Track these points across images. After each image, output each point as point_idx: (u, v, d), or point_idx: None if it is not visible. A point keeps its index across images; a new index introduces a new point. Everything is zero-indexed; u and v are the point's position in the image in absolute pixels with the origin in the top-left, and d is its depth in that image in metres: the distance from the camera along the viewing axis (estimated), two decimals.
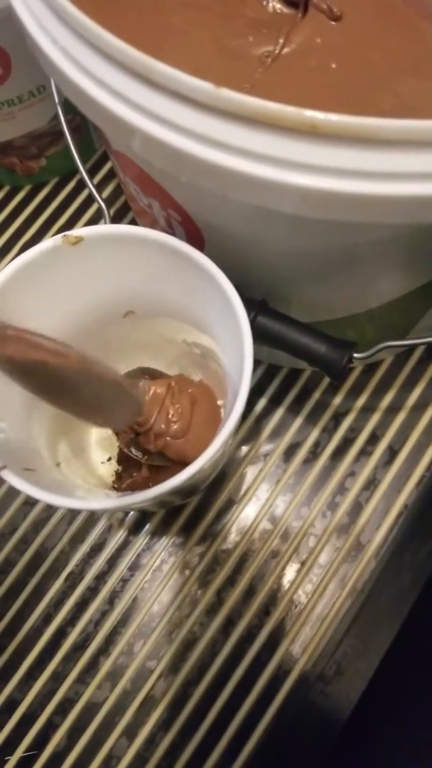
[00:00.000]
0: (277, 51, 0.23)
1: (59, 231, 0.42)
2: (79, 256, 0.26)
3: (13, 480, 0.23)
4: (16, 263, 0.25)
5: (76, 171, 0.43)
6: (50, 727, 0.34)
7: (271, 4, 0.24)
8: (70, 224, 0.43)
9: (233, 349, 0.26)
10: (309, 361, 0.28)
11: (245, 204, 0.20)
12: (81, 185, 0.43)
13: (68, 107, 0.38)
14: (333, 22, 0.23)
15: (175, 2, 0.23)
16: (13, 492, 0.37)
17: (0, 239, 0.42)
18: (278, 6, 0.23)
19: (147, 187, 0.27)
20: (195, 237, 0.27)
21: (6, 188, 0.44)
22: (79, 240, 0.26)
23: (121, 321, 0.31)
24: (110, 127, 0.21)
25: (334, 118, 0.17)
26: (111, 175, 0.44)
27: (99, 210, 0.42)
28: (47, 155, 0.41)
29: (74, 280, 0.27)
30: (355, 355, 0.28)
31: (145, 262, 0.27)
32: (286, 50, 0.23)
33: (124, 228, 0.26)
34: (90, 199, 0.43)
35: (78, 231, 0.26)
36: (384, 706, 0.33)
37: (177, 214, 0.27)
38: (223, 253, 0.26)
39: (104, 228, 0.26)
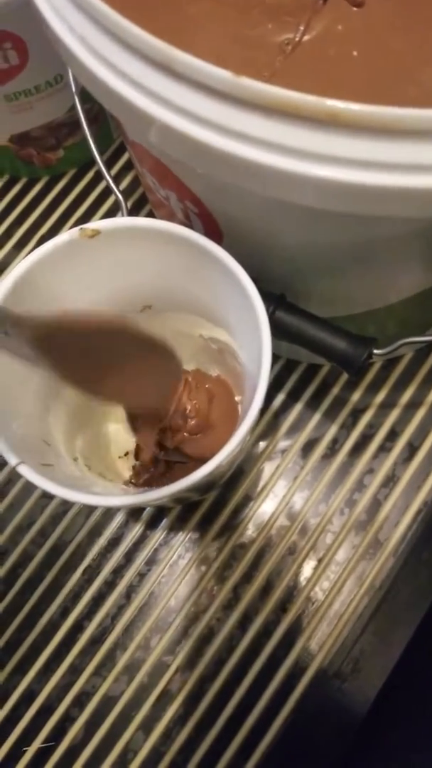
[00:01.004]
0: (297, 38, 0.22)
1: (77, 223, 0.42)
2: (96, 250, 0.26)
3: (30, 475, 0.23)
4: (33, 256, 0.25)
5: (93, 163, 0.43)
6: (67, 720, 0.34)
7: None
8: (87, 216, 0.42)
9: (251, 344, 0.26)
10: (327, 357, 0.27)
11: (263, 196, 0.20)
12: (99, 177, 0.43)
13: (85, 96, 0.38)
14: (355, 9, 0.22)
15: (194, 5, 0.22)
16: (31, 485, 0.37)
17: (18, 232, 0.42)
18: None
19: (164, 179, 0.26)
20: (213, 230, 0.27)
21: (23, 180, 0.43)
22: (95, 233, 0.25)
23: (137, 315, 0.31)
24: (127, 117, 0.21)
25: (355, 107, 0.17)
26: (129, 165, 0.43)
27: (117, 201, 0.42)
28: (65, 146, 0.41)
29: (91, 273, 0.27)
30: (375, 351, 0.27)
31: (163, 256, 0.27)
32: (306, 38, 0.22)
33: (141, 221, 0.26)
34: (108, 191, 0.43)
35: (95, 224, 0.25)
36: (401, 705, 0.33)
37: (194, 206, 0.26)
38: (241, 247, 0.26)
39: (121, 221, 0.26)
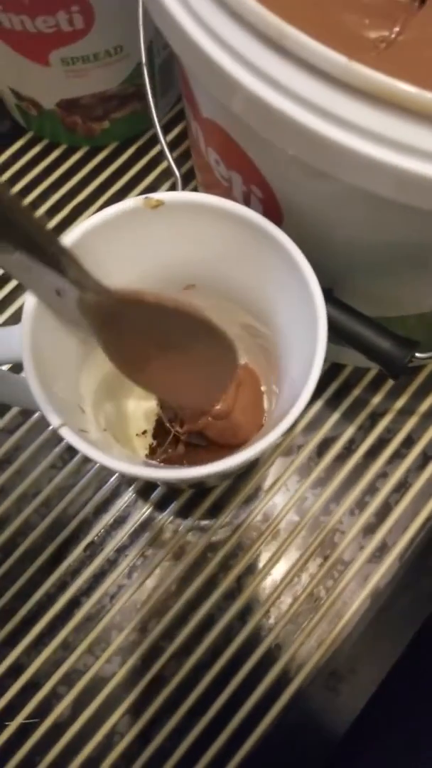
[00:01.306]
0: (392, 37, 0.22)
1: (114, 196, 0.42)
2: (155, 221, 0.26)
3: (73, 439, 0.22)
4: (95, 219, 0.25)
5: (135, 139, 0.43)
6: (54, 697, 0.33)
7: None
8: (125, 191, 0.42)
9: (299, 335, 0.26)
10: (370, 355, 0.28)
11: (344, 184, 0.20)
12: (139, 153, 0.43)
13: (141, 73, 0.38)
14: None
15: None
16: (39, 454, 0.37)
17: (53, 196, 0.42)
18: None
19: (232, 160, 0.26)
20: (273, 216, 0.26)
21: (63, 147, 0.43)
22: (159, 204, 0.25)
23: (180, 292, 0.30)
24: (220, 89, 0.20)
25: None
26: (171, 146, 0.43)
27: (158, 178, 0.42)
28: (111, 118, 0.40)
29: (144, 243, 0.27)
30: (417, 354, 0.27)
31: (219, 236, 0.27)
32: (401, 38, 0.22)
33: (206, 197, 0.25)
34: (146, 169, 0.42)
35: (159, 195, 0.25)
36: (394, 709, 0.33)
37: (260, 190, 0.26)
38: (299, 236, 0.26)
39: (186, 195, 0.25)
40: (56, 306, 0.24)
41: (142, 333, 0.22)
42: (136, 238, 0.26)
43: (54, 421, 0.23)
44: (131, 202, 0.25)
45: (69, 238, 0.24)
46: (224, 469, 0.23)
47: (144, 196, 0.25)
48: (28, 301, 0.23)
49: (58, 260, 0.19)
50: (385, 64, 0.21)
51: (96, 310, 0.21)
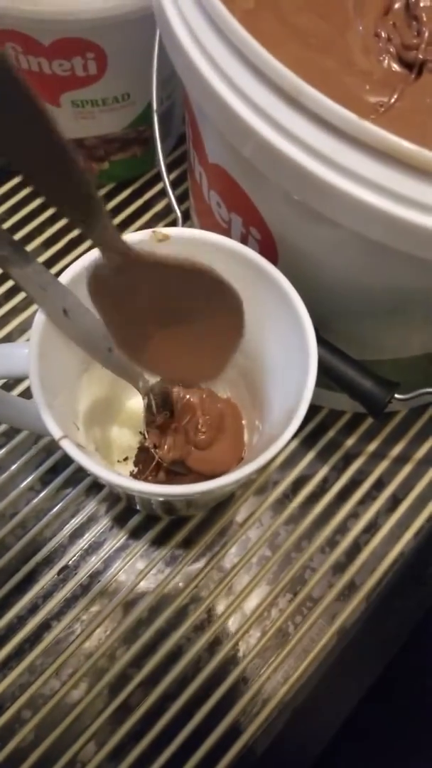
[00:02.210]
0: (391, 102, 0.24)
1: None
2: None
3: (73, 451, 0.23)
4: None
5: (131, 182, 0.45)
6: (18, 721, 0.33)
7: (386, 61, 0.26)
8: (119, 230, 0.43)
9: (287, 372, 0.27)
10: (352, 393, 0.29)
11: (343, 229, 0.22)
12: (133, 196, 0.45)
13: (141, 120, 0.40)
14: None
15: (296, 47, 0.25)
16: (18, 476, 0.37)
17: (49, 230, 0.43)
18: (393, 65, 0.26)
19: (234, 203, 0.28)
20: (269, 257, 0.28)
21: None
22: (165, 238, 0.27)
23: None
24: (235, 134, 0.22)
25: None
26: (164, 192, 0.45)
27: (152, 220, 0.43)
28: (111, 160, 0.42)
29: None
30: (397, 396, 0.29)
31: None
32: (398, 104, 0.25)
33: (209, 234, 0.27)
34: (140, 210, 0.44)
35: (166, 229, 0.27)
36: (357, 746, 0.34)
37: (258, 232, 0.28)
38: (291, 277, 0.28)
39: (190, 231, 0.27)
40: (62, 324, 0.25)
41: (154, 300, 0.23)
42: None
43: (56, 433, 0.23)
44: (140, 234, 0.26)
45: (79, 265, 0.26)
46: (213, 487, 0.24)
47: (151, 230, 0.27)
48: (38, 319, 0.24)
49: (93, 215, 0.20)
50: (384, 126, 0.23)
51: (113, 277, 0.22)
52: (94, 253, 0.25)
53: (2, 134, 0.16)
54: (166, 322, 0.24)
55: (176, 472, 0.34)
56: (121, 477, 0.23)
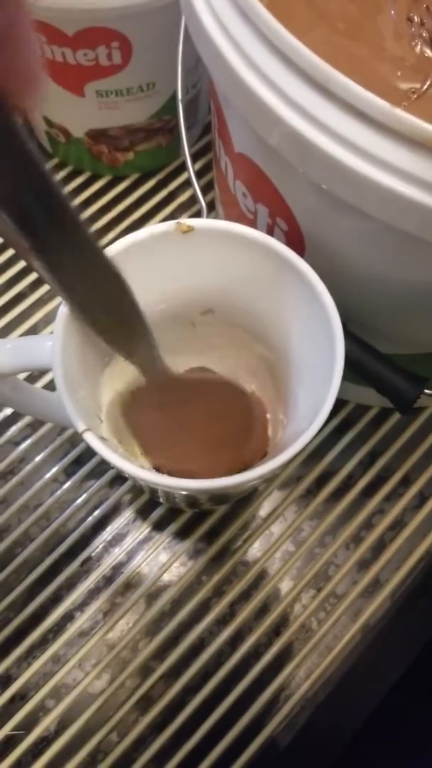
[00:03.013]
0: (423, 89, 0.24)
1: (132, 225, 0.43)
2: (184, 246, 0.27)
3: (96, 444, 0.23)
4: (128, 239, 0.26)
5: (156, 172, 0.45)
6: (42, 710, 0.33)
7: (419, 47, 0.25)
8: (143, 221, 0.43)
9: (313, 366, 0.27)
10: (380, 388, 0.29)
11: (372, 219, 0.21)
12: (158, 186, 0.44)
13: (166, 109, 0.40)
14: None
15: (324, 33, 0.24)
16: (42, 467, 0.37)
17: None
18: (426, 50, 0.25)
19: (261, 193, 0.28)
20: (296, 249, 0.28)
21: (86, 174, 0.44)
22: (190, 229, 0.26)
23: (197, 317, 0.31)
24: (260, 121, 0.22)
25: None
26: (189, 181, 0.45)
27: (177, 210, 0.43)
28: (136, 150, 0.42)
29: (173, 266, 0.28)
30: (426, 391, 0.28)
31: (244, 264, 0.28)
32: (431, 91, 0.24)
33: (235, 226, 0.27)
34: (165, 201, 0.44)
35: (190, 221, 0.26)
36: (378, 746, 0.33)
37: (285, 223, 0.27)
38: (318, 270, 0.27)
39: (216, 222, 0.27)
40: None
41: (179, 408, 0.28)
42: (164, 260, 0.28)
43: (79, 425, 0.23)
44: (164, 226, 0.26)
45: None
46: (236, 482, 0.24)
47: (176, 221, 0.26)
48: (61, 311, 0.24)
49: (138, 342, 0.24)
50: (416, 113, 0.22)
51: (148, 396, 0.27)
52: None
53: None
54: (187, 425, 0.29)
55: None
56: (142, 470, 0.23)
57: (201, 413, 0.30)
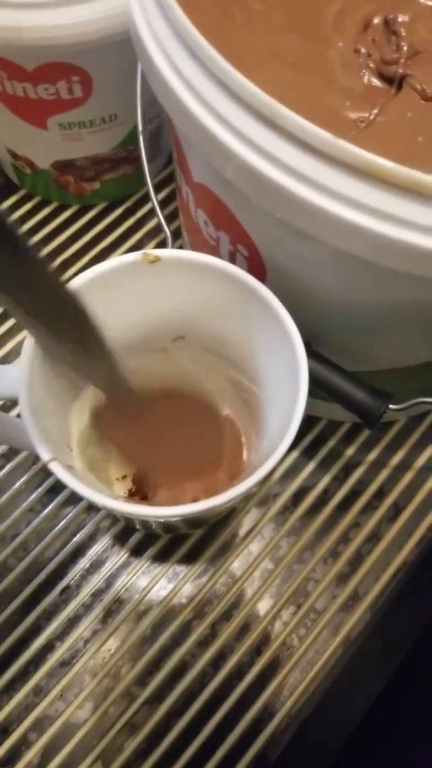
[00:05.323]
0: (371, 118, 0.25)
1: (100, 254, 0.44)
2: (150, 276, 0.28)
3: (61, 473, 0.23)
4: (96, 270, 0.26)
5: (123, 201, 0.45)
6: (24, 743, 0.33)
7: (366, 77, 0.26)
8: (111, 249, 0.44)
9: (281, 388, 0.27)
10: (347, 405, 0.29)
11: (326, 246, 0.22)
12: (125, 214, 0.45)
13: (130, 140, 0.41)
14: (423, 102, 0.25)
15: (277, 67, 0.25)
16: (19, 497, 0.37)
17: (43, 251, 0.43)
18: (374, 80, 0.26)
19: (221, 221, 0.28)
20: (258, 274, 0.28)
21: (53, 205, 0.45)
22: (157, 259, 0.27)
23: (169, 343, 0.32)
24: (215, 157, 0.23)
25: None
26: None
27: (143, 238, 0.44)
28: (102, 180, 0.42)
29: (141, 295, 0.28)
30: (391, 406, 0.29)
31: (209, 291, 0.28)
32: (379, 119, 0.25)
33: (199, 255, 0.27)
34: (132, 229, 0.45)
35: (157, 251, 0.27)
36: (365, 757, 0.33)
37: (246, 249, 0.28)
38: (280, 293, 0.28)
39: (180, 252, 0.27)
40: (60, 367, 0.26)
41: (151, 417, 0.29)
42: (132, 290, 0.28)
43: (44, 455, 0.24)
44: (131, 256, 0.27)
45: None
46: (209, 507, 0.24)
47: (142, 251, 0.27)
48: (27, 343, 0.25)
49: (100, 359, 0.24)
50: (364, 141, 0.23)
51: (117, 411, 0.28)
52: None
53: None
54: (161, 432, 0.30)
55: None
56: (108, 499, 0.23)
57: (174, 427, 0.31)
